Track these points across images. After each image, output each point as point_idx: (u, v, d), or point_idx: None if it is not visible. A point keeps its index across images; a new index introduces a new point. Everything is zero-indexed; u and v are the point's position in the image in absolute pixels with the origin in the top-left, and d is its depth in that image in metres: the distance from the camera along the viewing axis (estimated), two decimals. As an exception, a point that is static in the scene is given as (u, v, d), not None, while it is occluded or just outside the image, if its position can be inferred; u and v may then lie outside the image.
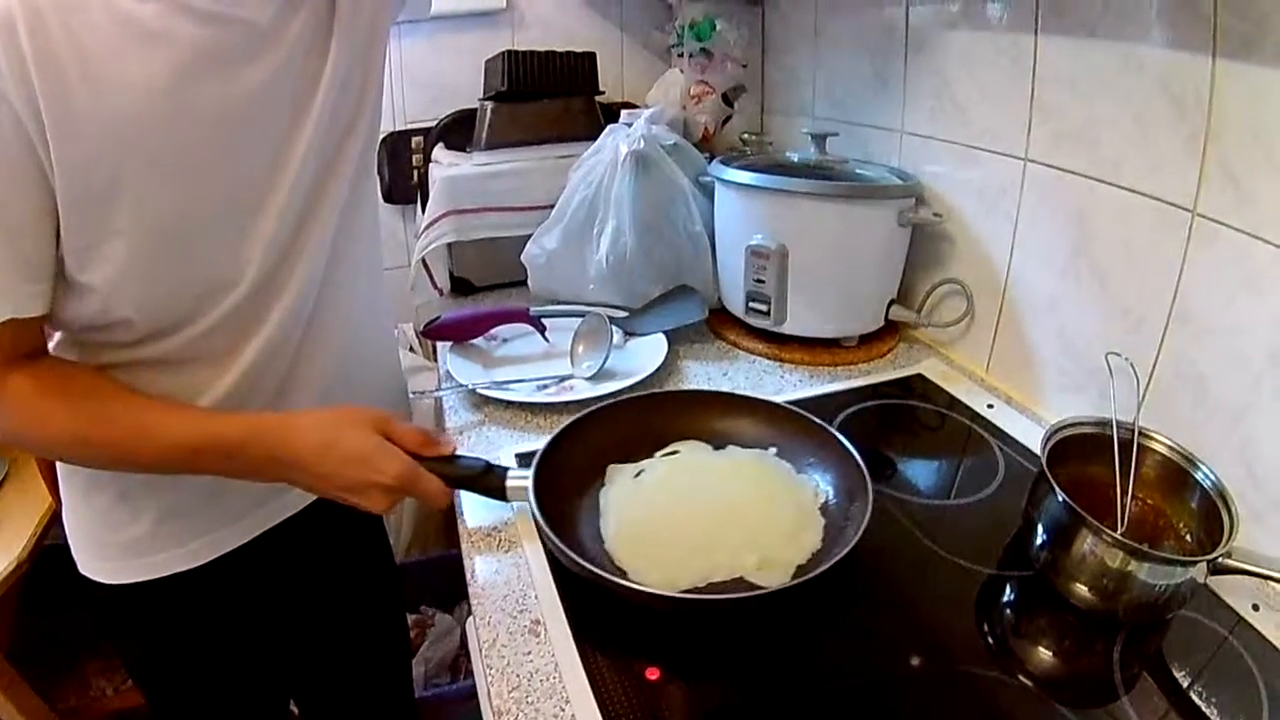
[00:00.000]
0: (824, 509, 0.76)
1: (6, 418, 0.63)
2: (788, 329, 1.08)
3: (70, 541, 0.79)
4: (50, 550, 1.15)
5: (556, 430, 0.81)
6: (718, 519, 0.74)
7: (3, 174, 0.54)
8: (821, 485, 0.78)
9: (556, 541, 0.66)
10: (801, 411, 0.84)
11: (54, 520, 1.20)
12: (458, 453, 0.73)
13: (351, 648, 0.98)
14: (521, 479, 0.73)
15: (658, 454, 0.84)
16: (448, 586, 1.57)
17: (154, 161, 0.59)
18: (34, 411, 0.62)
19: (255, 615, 0.84)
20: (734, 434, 0.85)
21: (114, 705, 1.52)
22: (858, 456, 0.75)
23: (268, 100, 0.64)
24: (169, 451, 0.64)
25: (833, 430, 0.80)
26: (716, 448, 0.84)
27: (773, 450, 0.83)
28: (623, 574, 0.67)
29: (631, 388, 0.98)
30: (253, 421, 0.67)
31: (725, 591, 0.66)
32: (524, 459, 0.86)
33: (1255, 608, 0.67)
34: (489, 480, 0.73)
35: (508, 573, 0.72)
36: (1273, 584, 0.64)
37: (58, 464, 0.79)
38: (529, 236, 1.22)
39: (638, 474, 0.81)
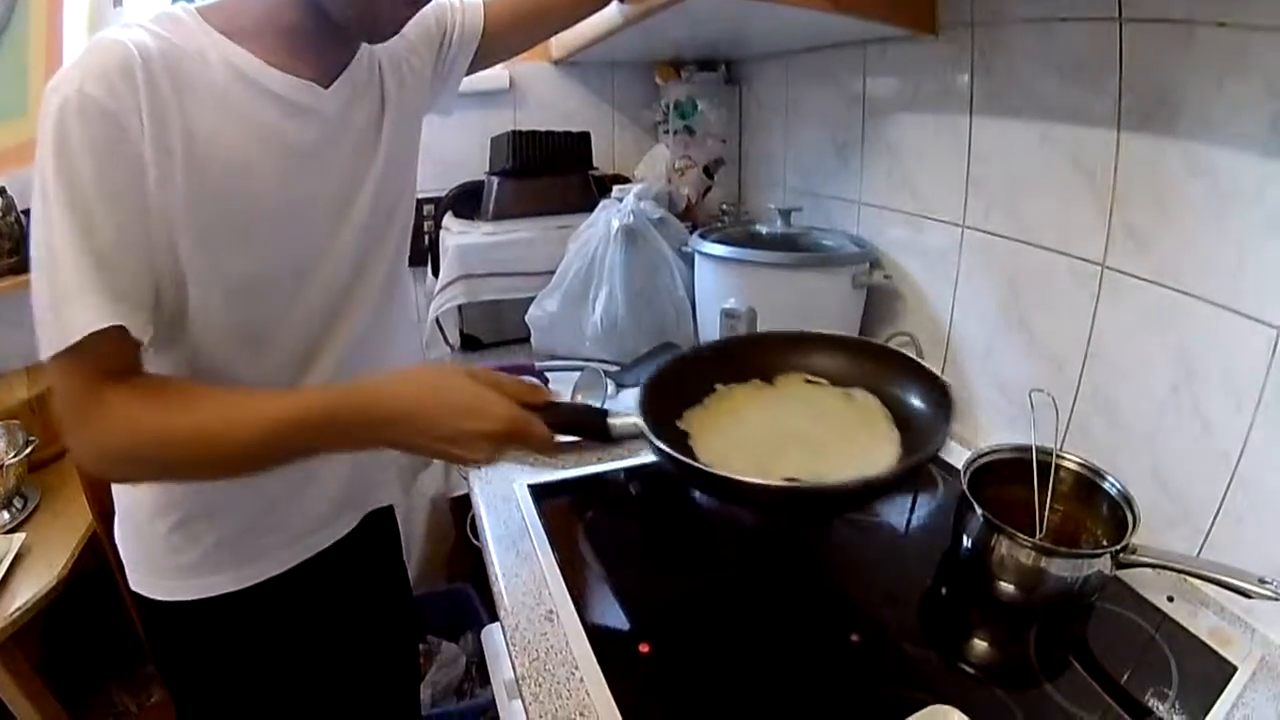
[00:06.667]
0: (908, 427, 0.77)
1: (103, 433, 0.61)
2: (758, 380, 1.21)
3: (124, 560, 0.83)
4: (80, 572, 1.20)
5: (664, 361, 0.85)
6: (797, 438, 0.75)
7: (114, 203, 0.59)
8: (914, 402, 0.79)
9: (671, 452, 0.67)
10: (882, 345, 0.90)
11: (91, 543, 1.23)
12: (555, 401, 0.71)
13: (368, 671, 1.04)
14: (624, 418, 0.70)
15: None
16: (451, 619, 1.67)
17: (228, 224, 0.65)
18: (125, 418, 0.61)
19: (286, 635, 0.87)
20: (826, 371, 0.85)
21: (137, 723, 1.56)
22: (933, 370, 0.80)
23: (329, 180, 0.73)
24: (259, 431, 0.61)
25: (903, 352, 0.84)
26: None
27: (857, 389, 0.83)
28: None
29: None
30: (344, 385, 0.66)
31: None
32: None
33: (1170, 599, 0.76)
34: (593, 421, 0.71)
35: (525, 574, 0.83)
36: (1186, 578, 0.73)
37: (115, 494, 0.82)
38: (531, 299, 1.36)
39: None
